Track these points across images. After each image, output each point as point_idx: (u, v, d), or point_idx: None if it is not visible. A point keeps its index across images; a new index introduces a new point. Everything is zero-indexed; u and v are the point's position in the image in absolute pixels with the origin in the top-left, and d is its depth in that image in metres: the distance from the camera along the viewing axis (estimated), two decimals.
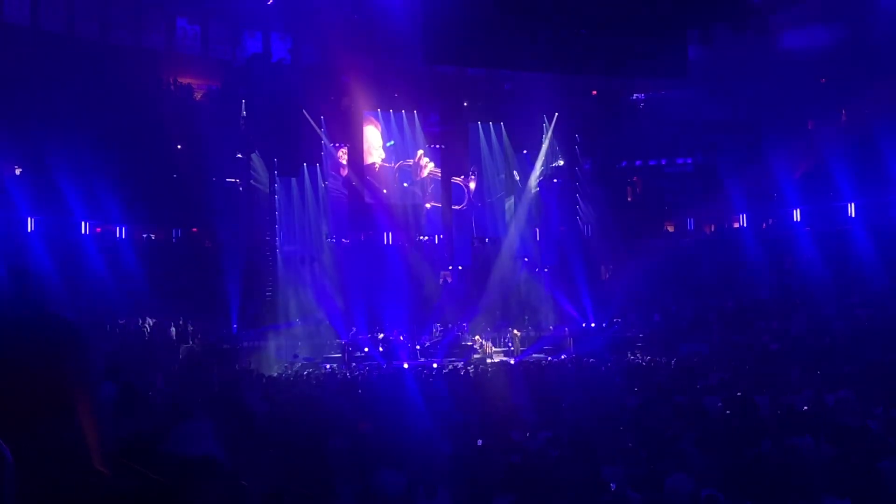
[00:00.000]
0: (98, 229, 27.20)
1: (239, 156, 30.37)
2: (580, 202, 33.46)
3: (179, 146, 29.22)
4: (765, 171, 27.82)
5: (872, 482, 6.99)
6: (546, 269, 32.57)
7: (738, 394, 11.89)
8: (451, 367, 22.98)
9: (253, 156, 30.25)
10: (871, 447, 7.79)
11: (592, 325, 29.40)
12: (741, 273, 27.68)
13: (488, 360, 26.02)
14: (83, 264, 23.89)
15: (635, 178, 34.26)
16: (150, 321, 24.20)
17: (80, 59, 26.30)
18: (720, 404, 11.14)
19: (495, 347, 28.07)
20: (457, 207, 32.69)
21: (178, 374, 18.64)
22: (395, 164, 32.17)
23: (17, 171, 25.67)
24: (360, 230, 32.07)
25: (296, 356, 26.08)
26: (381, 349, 26.87)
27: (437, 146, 32.64)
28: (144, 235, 28.87)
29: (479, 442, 9.32)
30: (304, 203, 30.93)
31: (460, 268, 32.33)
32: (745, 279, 27.25)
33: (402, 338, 27.71)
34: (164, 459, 4.91)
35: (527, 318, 30.61)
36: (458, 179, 32.82)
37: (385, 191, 31.96)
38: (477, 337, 28.25)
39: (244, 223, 29.83)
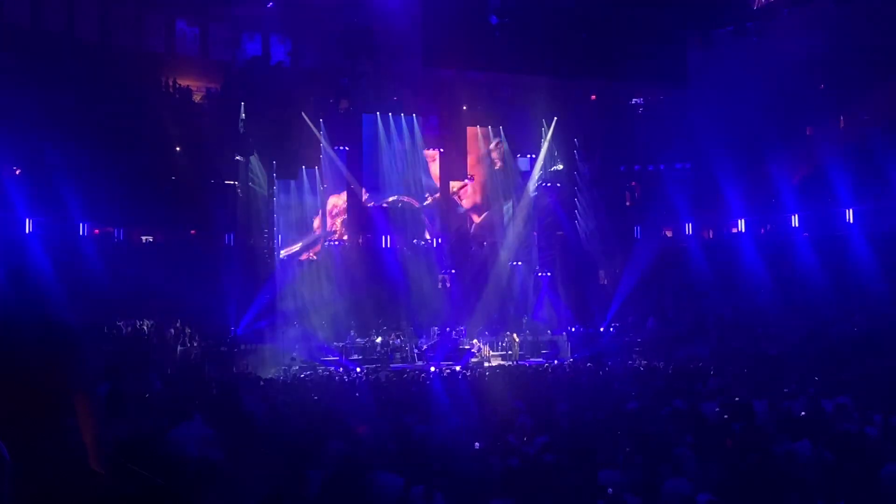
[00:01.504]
0: (96, 231, 27.16)
1: (238, 158, 30.35)
2: (579, 206, 33.46)
3: (178, 148, 29.21)
4: (763, 177, 27.84)
5: (870, 489, 6.99)
6: (544, 274, 32.56)
7: (737, 399, 11.88)
8: (448, 370, 23.01)
9: (252, 158, 30.23)
10: (869, 454, 7.78)
11: (590, 329, 29.40)
12: (739, 278, 27.68)
13: (486, 364, 26.05)
14: (81, 266, 23.85)
15: (634, 183, 34.28)
16: (147, 323, 24.18)
17: (80, 60, 26.30)
18: (718, 409, 11.14)
19: (493, 351, 28.07)
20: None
21: (176, 377, 18.62)
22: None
23: (17, 172, 25.65)
24: (358, 233, 32.04)
25: (293, 359, 26.08)
26: (378, 352, 26.91)
27: (436, 150, 32.67)
28: (143, 238, 28.83)
29: (477, 445, 9.31)
30: (303, 206, 30.92)
31: (454, 271, 32.26)
32: (743, 284, 27.26)
33: (399, 341, 27.73)
34: (161, 461, 4.91)
35: (525, 321, 30.62)
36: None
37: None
38: (475, 341, 28.25)
39: (242, 226, 29.82)
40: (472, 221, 33.32)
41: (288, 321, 28.31)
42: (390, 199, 31.89)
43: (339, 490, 7.35)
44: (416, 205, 32.21)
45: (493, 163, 33.02)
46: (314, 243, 31.21)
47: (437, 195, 32.70)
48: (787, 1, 24.85)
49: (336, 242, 31.40)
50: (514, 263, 32.39)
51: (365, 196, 31.64)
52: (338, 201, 31.59)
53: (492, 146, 32.85)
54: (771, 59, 28.43)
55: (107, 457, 3.96)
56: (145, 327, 24.06)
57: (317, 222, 31.22)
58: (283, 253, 30.62)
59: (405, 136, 31.89)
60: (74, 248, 24.90)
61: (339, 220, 31.62)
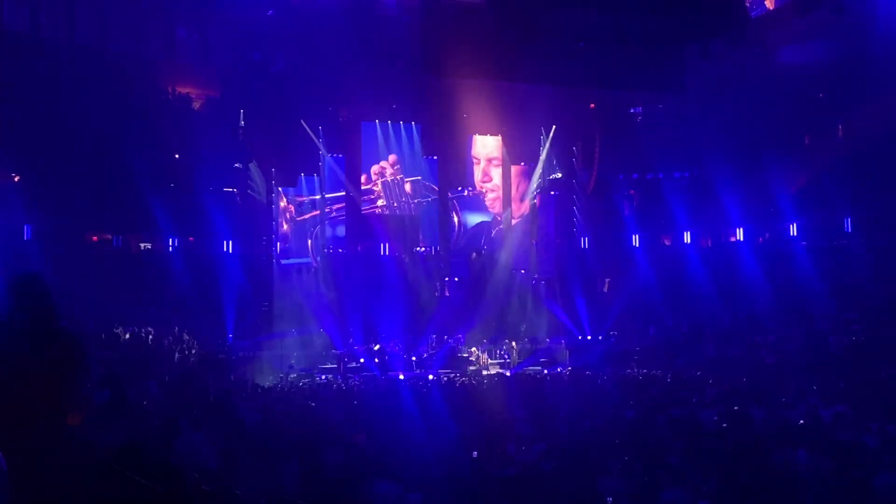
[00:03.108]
0: (95, 238, 27.14)
1: (237, 165, 30.37)
2: (577, 214, 33.50)
3: (177, 155, 29.23)
4: (762, 186, 27.88)
5: (867, 497, 6.98)
6: (543, 282, 32.56)
7: (735, 408, 11.87)
8: (446, 378, 22.96)
9: (251, 165, 30.25)
10: (866, 462, 7.77)
11: (589, 337, 29.37)
12: (738, 287, 27.67)
13: (484, 372, 26.00)
14: (80, 273, 23.83)
15: (632, 191, 34.31)
16: (145, 330, 24.14)
17: (80, 66, 26.32)
18: (716, 418, 11.12)
19: (491, 359, 28.03)
20: None
21: (174, 384, 18.58)
22: None
23: (16, 179, 25.65)
24: (357, 241, 32.05)
25: (291, 366, 26.04)
26: (376, 360, 26.86)
27: (436, 157, 32.71)
28: (141, 245, 28.81)
29: (475, 454, 9.29)
30: (302, 213, 30.95)
31: (457, 279, 32.29)
32: (741, 293, 27.25)
33: (397, 349, 27.69)
34: (158, 468, 4.90)
35: (523, 329, 30.59)
36: None
37: None
38: (473, 349, 28.22)
39: (241, 233, 29.81)
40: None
41: (286, 328, 28.26)
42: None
43: (336, 498, 7.34)
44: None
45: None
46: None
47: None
48: (787, 11, 24.85)
49: (337, 251, 31.43)
50: (513, 271, 32.39)
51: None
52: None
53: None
54: (770, 69, 28.50)
55: (104, 463, 3.95)
56: (143, 334, 24.00)
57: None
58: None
59: (404, 144, 31.93)
60: (73, 255, 24.87)
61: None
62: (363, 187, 31.64)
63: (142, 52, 29.64)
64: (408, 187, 32.05)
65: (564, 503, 7.26)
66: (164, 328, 24.63)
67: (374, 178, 31.92)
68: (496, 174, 33.09)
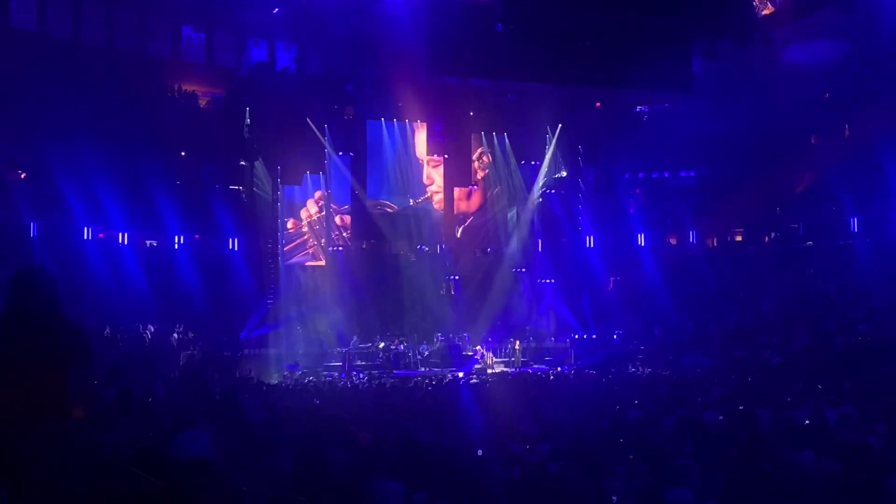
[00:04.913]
0: (101, 235, 27.18)
1: (242, 163, 30.38)
2: (582, 213, 33.46)
3: (183, 153, 29.26)
4: (767, 185, 27.84)
5: (873, 499, 6.96)
6: (548, 281, 32.53)
7: (740, 408, 11.85)
8: (451, 377, 22.98)
9: (256, 163, 30.26)
10: (872, 464, 7.75)
11: (594, 337, 29.35)
12: (743, 287, 27.63)
13: (489, 371, 26.03)
14: (85, 270, 23.87)
15: (638, 190, 34.27)
16: (151, 328, 24.18)
17: (86, 65, 26.38)
18: (721, 418, 11.10)
19: (496, 358, 28.03)
20: None
21: (179, 382, 18.62)
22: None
23: (22, 176, 25.71)
24: (362, 239, 32.04)
25: (296, 364, 26.09)
26: (381, 357, 26.90)
27: (441, 156, 32.70)
28: (147, 242, 28.84)
29: (479, 453, 9.29)
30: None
31: (456, 277, 32.19)
32: (746, 293, 27.21)
33: (402, 347, 27.70)
34: (163, 465, 4.91)
35: (528, 328, 30.58)
36: None
37: None
38: (478, 347, 28.22)
39: (247, 231, 29.83)
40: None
41: (292, 326, 28.30)
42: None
43: (341, 496, 7.34)
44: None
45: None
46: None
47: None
48: (793, 10, 24.83)
49: (340, 248, 31.41)
50: (518, 270, 32.37)
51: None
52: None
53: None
54: (776, 68, 28.45)
55: (111, 461, 3.97)
56: (149, 332, 24.05)
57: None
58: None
59: (409, 143, 31.94)
60: (79, 253, 24.92)
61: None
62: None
63: (148, 50, 29.70)
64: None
65: (569, 503, 7.25)
66: (169, 326, 24.69)
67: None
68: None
